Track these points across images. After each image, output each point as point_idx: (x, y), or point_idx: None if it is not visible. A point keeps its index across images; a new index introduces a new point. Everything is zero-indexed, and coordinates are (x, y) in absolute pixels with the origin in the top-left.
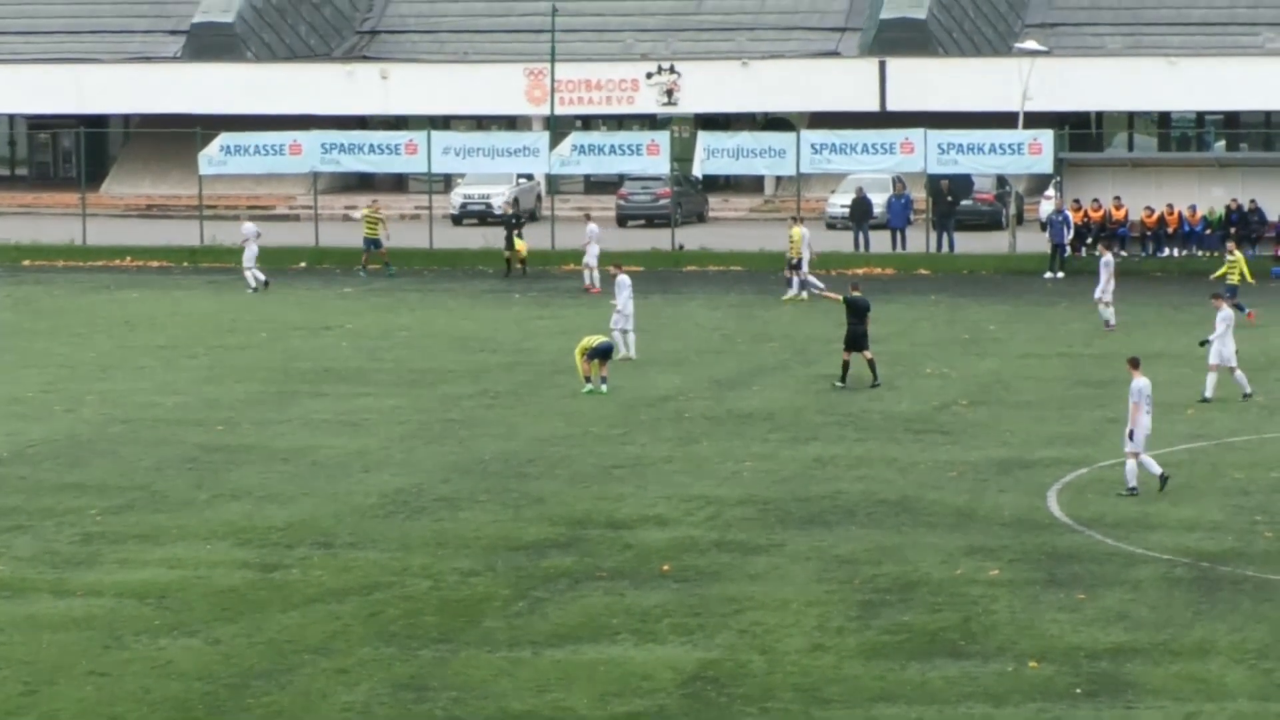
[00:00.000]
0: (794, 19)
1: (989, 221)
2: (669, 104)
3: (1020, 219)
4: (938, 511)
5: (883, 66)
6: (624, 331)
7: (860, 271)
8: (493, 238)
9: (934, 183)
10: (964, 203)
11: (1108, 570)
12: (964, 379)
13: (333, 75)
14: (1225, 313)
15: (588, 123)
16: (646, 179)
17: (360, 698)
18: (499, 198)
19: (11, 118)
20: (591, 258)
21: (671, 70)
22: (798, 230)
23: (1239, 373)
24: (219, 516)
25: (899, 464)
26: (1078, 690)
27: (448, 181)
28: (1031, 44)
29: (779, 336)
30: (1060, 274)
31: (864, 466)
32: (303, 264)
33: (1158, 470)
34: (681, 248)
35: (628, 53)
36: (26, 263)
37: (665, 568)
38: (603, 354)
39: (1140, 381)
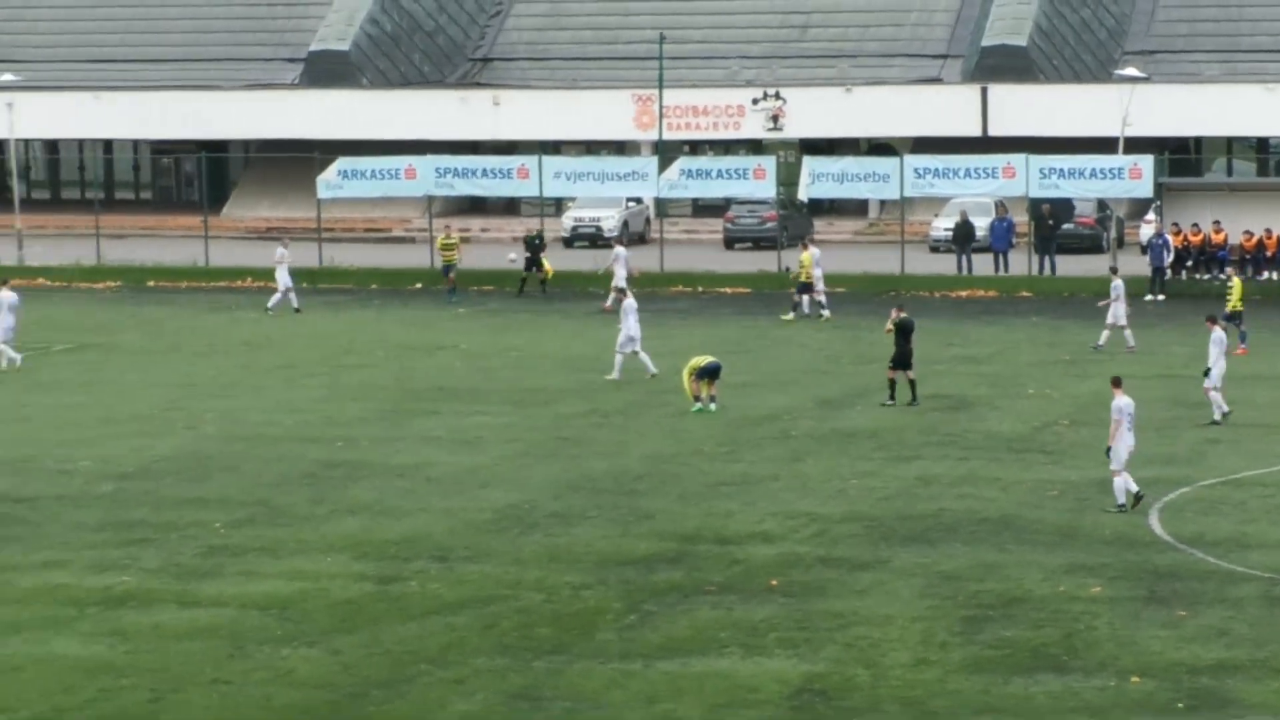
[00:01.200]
0: (896, 46)
1: (1090, 245)
2: (774, 129)
3: (1121, 242)
4: (1040, 529)
5: (984, 92)
6: (633, 354)
7: (964, 294)
8: (603, 259)
9: (1036, 207)
10: (1065, 226)
11: (1208, 588)
12: (1065, 399)
13: (446, 101)
14: (1218, 334)
15: (695, 147)
16: (753, 202)
17: (476, 707)
18: (609, 220)
19: (136, 143)
20: (619, 279)
21: (777, 96)
22: (807, 254)
23: (1217, 394)
24: (337, 530)
25: (1001, 483)
26: (1179, 705)
27: (559, 205)
28: (1131, 71)
29: (883, 358)
30: (1161, 296)
31: (967, 485)
32: (418, 285)
33: (1134, 488)
34: (788, 270)
35: (734, 79)
36: (151, 283)
37: (772, 583)
38: (711, 374)
39: (1122, 400)
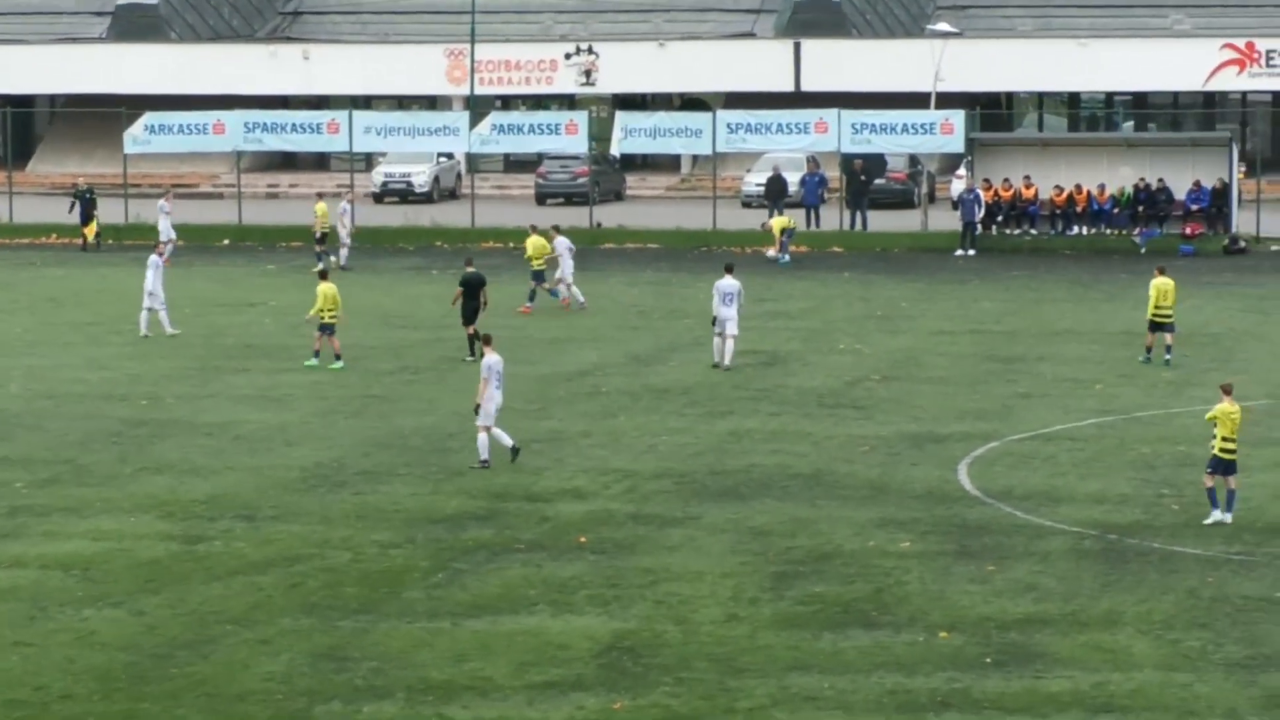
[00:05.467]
0: (710, 1)
1: (902, 200)
2: (587, 84)
3: (932, 197)
4: (850, 485)
5: (797, 48)
6: (150, 310)
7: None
8: (413, 215)
9: (848, 162)
10: (877, 181)
11: (1017, 542)
12: (877, 355)
13: (256, 55)
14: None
15: (507, 103)
16: (565, 158)
17: (281, 667)
18: (420, 176)
19: None
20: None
21: (590, 51)
22: (321, 205)
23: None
24: (143, 490)
25: (813, 438)
26: (987, 660)
27: (369, 160)
28: (943, 26)
29: (695, 313)
30: (971, 251)
31: (778, 440)
32: (226, 241)
33: (509, 442)
34: (599, 225)
35: (547, 34)
36: None
37: (582, 540)
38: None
39: (492, 358)
